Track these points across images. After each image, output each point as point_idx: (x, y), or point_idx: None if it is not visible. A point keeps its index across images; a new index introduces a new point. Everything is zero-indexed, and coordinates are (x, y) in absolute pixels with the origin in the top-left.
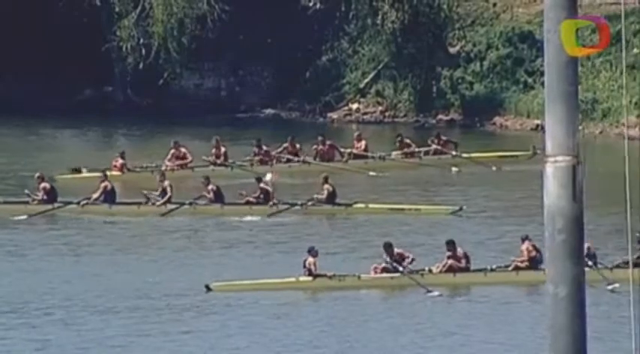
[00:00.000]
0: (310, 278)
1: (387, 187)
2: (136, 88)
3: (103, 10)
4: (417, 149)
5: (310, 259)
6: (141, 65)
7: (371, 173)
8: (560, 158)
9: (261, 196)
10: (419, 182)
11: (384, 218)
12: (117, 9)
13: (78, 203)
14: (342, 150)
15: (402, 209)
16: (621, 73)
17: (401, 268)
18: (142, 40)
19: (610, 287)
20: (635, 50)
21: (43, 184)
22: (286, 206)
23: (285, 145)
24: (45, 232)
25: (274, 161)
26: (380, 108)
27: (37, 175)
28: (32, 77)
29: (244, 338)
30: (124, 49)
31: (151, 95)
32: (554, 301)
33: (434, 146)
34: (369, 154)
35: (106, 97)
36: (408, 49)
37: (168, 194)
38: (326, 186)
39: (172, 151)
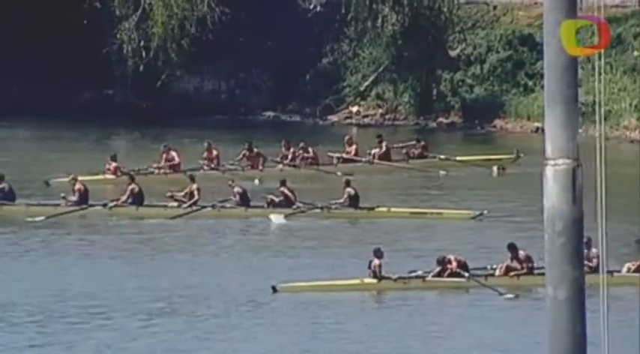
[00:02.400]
0: (375, 280)
1: (377, 192)
2: (136, 91)
3: (103, 12)
4: (399, 145)
5: (376, 261)
6: (141, 67)
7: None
8: (560, 161)
9: (284, 199)
10: (411, 186)
11: (406, 222)
12: (117, 11)
13: (104, 205)
14: (330, 154)
15: (424, 213)
16: (622, 76)
17: (466, 274)
18: (142, 43)
19: None
20: (636, 53)
21: (77, 186)
22: (311, 208)
23: (285, 151)
24: (74, 235)
25: (265, 165)
26: (380, 111)
27: (70, 177)
28: (32, 79)
29: (310, 339)
30: (124, 51)
31: (151, 97)
32: (553, 303)
33: (414, 150)
34: (357, 157)
35: (106, 100)
36: (408, 52)
37: (196, 197)
38: (348, 189)
39: (164, 155)
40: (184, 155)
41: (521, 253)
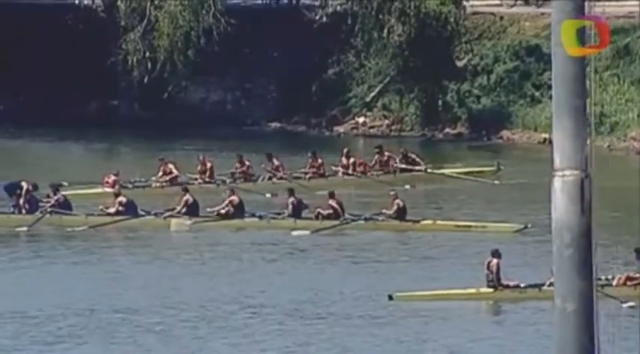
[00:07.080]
0: (491, 290)
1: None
2: (142, 102)
3: (108, 23)
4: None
5: (494, 261)
6: (146, 79)
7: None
8: (568, 172)
9: (332, 212)
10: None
11: (452, 235)
12: (123, 22)
13: (156, 214)
14: (333, 168)
15: (469, 226)
16: (629, 87)
17: None
18: (147, 54)
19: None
20: None
21: (119, 199)
22: (359, 219)
23: (277, 163)
24: (126, 244)
25: (259, 178)
26: (386, 122)
27: (115, 190)
28: (38, 90)
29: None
30: (129, 62)
31: (156, 108)
32: (561, 315)
33: (400, 165)
34: (349, 171)
35: (111, 111)
36: (415, 62)
37: (232, 209)
38: (396, 201)
39: (161, 167)
40: (191, 167)
41: None
